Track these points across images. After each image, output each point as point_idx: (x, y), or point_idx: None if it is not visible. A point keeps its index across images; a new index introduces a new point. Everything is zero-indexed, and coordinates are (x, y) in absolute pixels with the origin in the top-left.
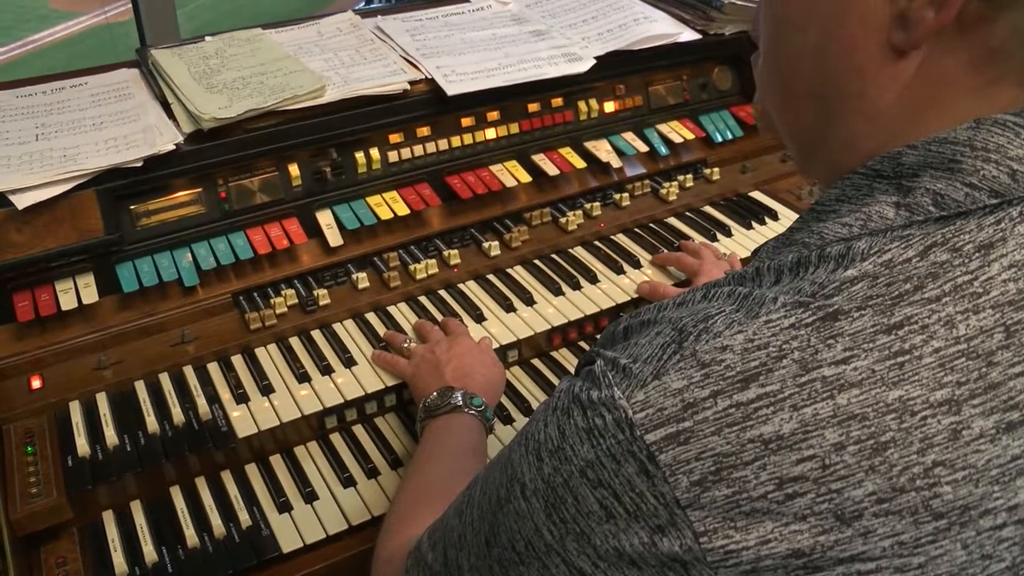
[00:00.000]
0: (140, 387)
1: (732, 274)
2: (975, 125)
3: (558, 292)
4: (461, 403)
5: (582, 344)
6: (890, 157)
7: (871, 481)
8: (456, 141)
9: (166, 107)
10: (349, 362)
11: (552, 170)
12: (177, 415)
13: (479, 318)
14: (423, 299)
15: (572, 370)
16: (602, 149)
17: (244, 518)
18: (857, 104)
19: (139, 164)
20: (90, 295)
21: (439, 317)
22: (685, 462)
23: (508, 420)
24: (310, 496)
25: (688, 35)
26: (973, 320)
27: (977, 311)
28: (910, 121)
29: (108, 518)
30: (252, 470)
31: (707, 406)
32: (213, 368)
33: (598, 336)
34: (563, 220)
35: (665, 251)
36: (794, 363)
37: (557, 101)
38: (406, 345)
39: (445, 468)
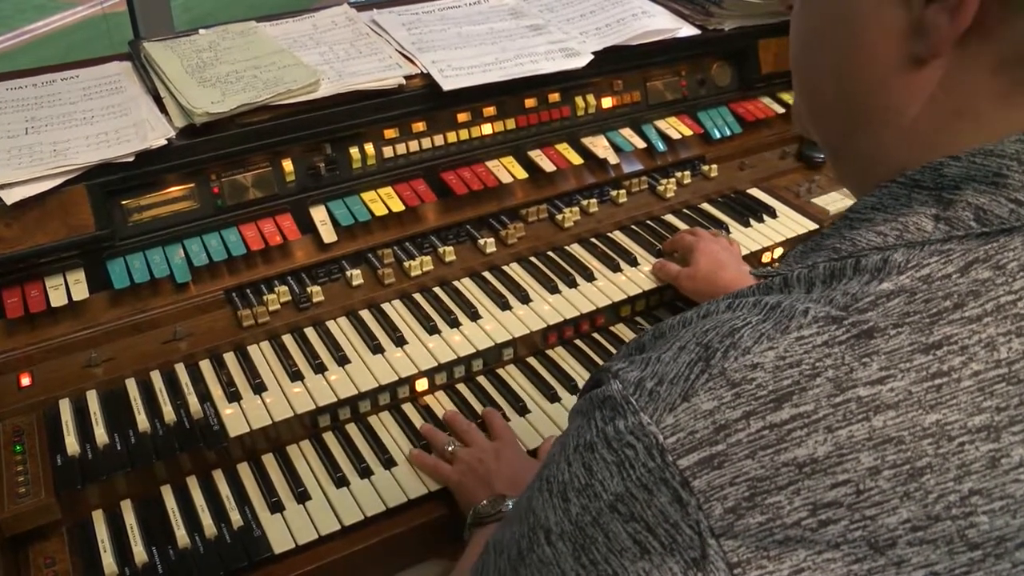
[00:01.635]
0: (131, 385)
1: (758, 283)
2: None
3: (554, 290)
4: None
5: (578, 342)
6: (931, 168)
7: (906, 508)
8: (452, 136)
9: (158, 101)
10: (342, 360)
11: (549, 166)
12: (168, 413)
13: (474, 316)
14: (418, 296)
15: (568, 369)
16: (599, 145)
17: (236, 518)
18: (883, 116)
19: (131, 159)
20: (80, 291)
21: (433, 315)
22: (719, 487)
23: (503, 419)
24: (302, 496)
25: (687, 30)
26: (1015, 343)
27: (1020, 333)
28: (940, 131)
29: (98, 518)
30: (244, 469)
31: (740, 428)
32: (205, 366)
33: (594, 334)
34: (560, 217)
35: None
36: (828, 382)
37: (554, 96)
38: (449, 448)
39: None
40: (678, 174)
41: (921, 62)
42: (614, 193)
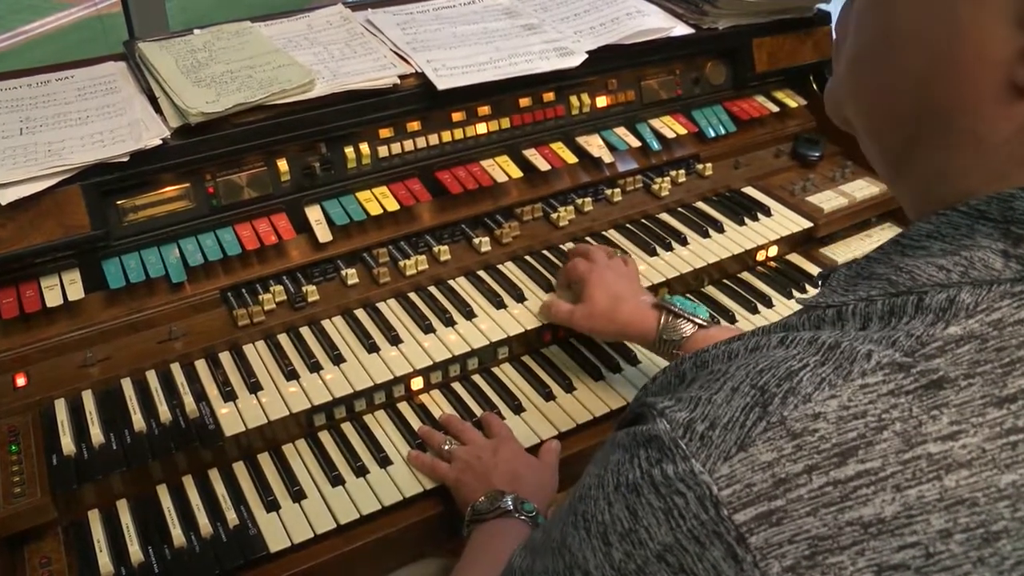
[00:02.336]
0: (126, 384)
1: (808, 314)
2: None
3: (549, 288)
4: (511, 508)
5: (572, 341)
6: (1000, 199)
7: (979, 574)
8: (446, 136)
9: (153, 101)
10: (338, 359)
11: (543, 165)
12: (164, 413)
13: (469, 314)
14: (413, 295)
15: (563, 367)
16: (594, 144)
17: (231, 517)
18: (961, 138)
19: (125, 159)
20: (76, 291)
21: (429, 314)
22: (778, 545)
23: (500, 419)
24: (298, 495)
25: (681, 29)
26: None
27: None
28: (1020, 164)
29: (94, 517)
30: (240, 468)
31: (801, 483)
32: (201, 365)
33: (591, 335)
34: (554, 216)
35: (657, 247)
36: (896, 436)
37: (548, 96)
38: (446, 447)
39: (487, 575)
40: (673, 173)
41: (1022, 92)
42: (609, 192)
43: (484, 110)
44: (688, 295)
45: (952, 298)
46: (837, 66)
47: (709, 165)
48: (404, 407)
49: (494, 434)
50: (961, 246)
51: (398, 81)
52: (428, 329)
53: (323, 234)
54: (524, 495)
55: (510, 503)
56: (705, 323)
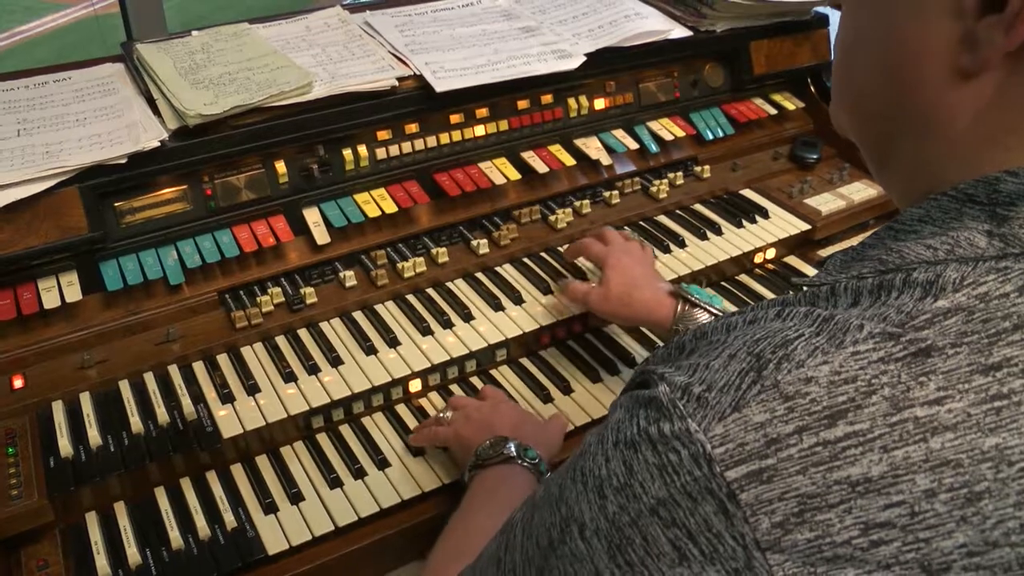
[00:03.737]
0: (124, 387)
1: (803, 291)
2: None
3: (547, 291)
4: (515, 454)
5: (571, 343)
6: (986, 182)
7: (962, 533)
8: (445, 138)
9: (151, 103)
10: (336, 361)
11: (541, 167)
12: (162, 415)
13: (467, 317)
14: (411, 298)
15: (561, 369)
16: (592, 146)
17: (229, 519)
18: (930, 129)
19: (123, 161)
20: (73, 293)
21: (427, 316)
22: (768, 502)
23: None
24: (296, 497)
25: (679, 32)
26: None
27: None
28: (990, 146)
29: (91, 520)
30: (238, 471)
31: (792, 443)
32: (198, 367)
33: (587, 335)
34: (552, 218)
35: (655, 249)
36: (884, 400)
37: (547, 98)
38: (444, 415)
39: (492, 522)
40: (671, 175)
41: (969, 76)
42: (607, 194)
43: (482, 112)
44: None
45: (939, 274)
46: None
47: (707, 167)
48: (402, 409)
49: (488, 397)
50: (949, 228)
51: (396, 83)
52: (426, 331)
53: (321, 236)
54: (528, 443)
55: (513, 449)
56: (721, 313)
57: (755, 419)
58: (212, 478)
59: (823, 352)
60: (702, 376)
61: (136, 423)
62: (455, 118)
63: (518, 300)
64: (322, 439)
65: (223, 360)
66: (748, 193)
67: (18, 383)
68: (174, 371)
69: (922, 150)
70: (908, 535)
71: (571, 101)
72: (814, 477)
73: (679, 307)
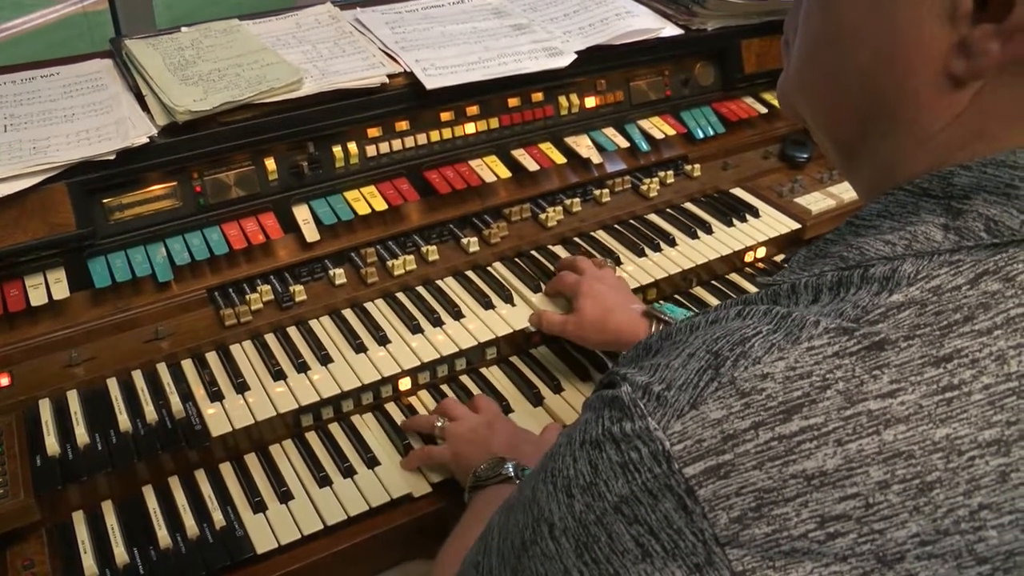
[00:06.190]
0: (112, 384)
1: (766, 290)
2: None
3: (537, 289)
4: (512, 474)
5: (561, 342)
6: (940, 176)
7: (915, 522)
8: (435, 135)
9: (140, 99)
10: (325, 359)
11: (532, 165)
12: (150, 413)
13: (457, 315)
14: (401, 295)
15: (552, 368)
16: (582, 145)
17: (218, 518)
18: (904, 128)
19: (112, 157)
20: (61, 290)
21: (416, 314)
22: (725, 497)
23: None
24: (285, 496)
25: (670, 30)
26: None
27: None
28: (959, 148)
29: (78, 519)
30: (226, 469)
31: (748, 438)
32: (187, 365)
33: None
34: (543, 216)
35: (645, 247)
36: (838, 394)
37: (537, 96)
38: (438, 424)
39: None
40: (661, 174)
41: (959, 83)
42: (597, 192)
43: (473, 110)
44: (677, 296)
45: (895, 268)
46: (787, 62)
47: (697, 166)
48: (392, 408)
49: (482, 410)
50: (907, 222)
51: (386, 80)
52: (416, 329)
53: (311, 234)
54: (525, 463)
55: (511, 469)
56: None
57: (712, 416)
58: (201, 477)
59: (779, 348)
60: (662, 375)
61: (124, 421)
62: (445, 116)
63: (508, 298)
64: (311, 437)
65: (212, 358)
66: (738, 192)
67: (4, 381)
68: (162, 369)
69: (892, 148)
70: (863, 527)
71: (562, 99)
72: (770, 472)
73: (652, 327)
